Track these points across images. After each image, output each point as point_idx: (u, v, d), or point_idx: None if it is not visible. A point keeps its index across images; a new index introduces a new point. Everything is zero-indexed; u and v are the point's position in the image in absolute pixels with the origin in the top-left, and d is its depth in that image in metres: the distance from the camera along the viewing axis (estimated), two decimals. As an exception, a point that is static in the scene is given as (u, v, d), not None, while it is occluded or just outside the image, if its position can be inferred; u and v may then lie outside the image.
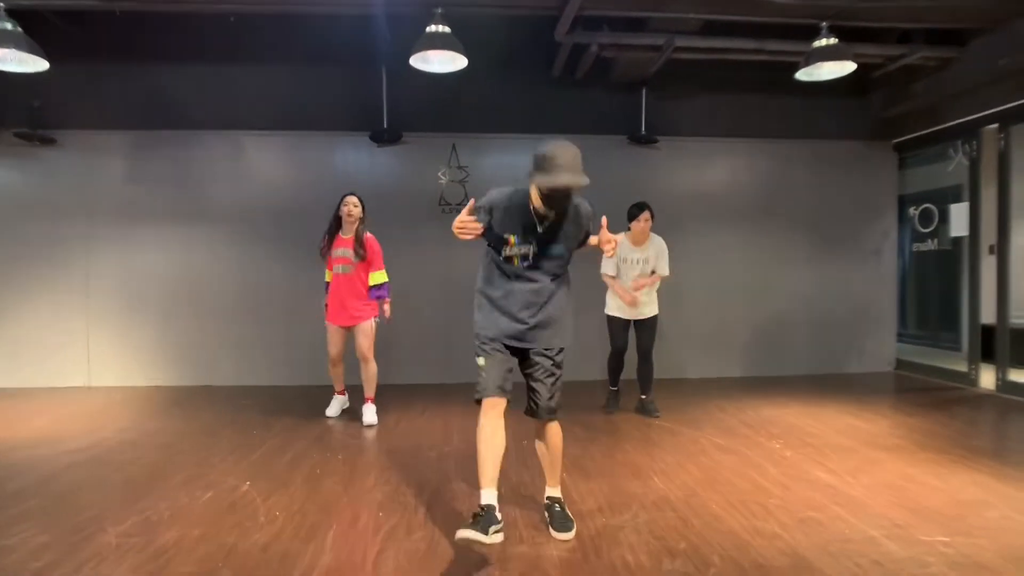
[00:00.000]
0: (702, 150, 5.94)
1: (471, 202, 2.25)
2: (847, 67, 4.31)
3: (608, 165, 5.77)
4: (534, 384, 2.41)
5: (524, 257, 2.33)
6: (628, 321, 4.38)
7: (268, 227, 5.56)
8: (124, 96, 5.44)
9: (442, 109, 5.57)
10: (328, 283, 4.29)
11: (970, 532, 2.44)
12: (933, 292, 6.40)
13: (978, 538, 2.38)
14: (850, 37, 4.40)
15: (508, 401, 2.34)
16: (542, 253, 2.33)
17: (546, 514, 2.54)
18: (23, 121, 5.32)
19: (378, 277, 4.20)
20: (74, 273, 5.52)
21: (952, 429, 4.05)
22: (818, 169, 6.03)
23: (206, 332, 5.59)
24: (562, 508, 2.51)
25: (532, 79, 5.65)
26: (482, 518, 2.12)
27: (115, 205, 5.51)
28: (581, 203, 2.39)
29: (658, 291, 4.46)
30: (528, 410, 2.46)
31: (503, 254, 2.35)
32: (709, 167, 5.98)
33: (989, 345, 5.25)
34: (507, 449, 2.34)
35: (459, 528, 2.10)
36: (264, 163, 5.65)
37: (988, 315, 5.29)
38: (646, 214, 4.21)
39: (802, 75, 4.50)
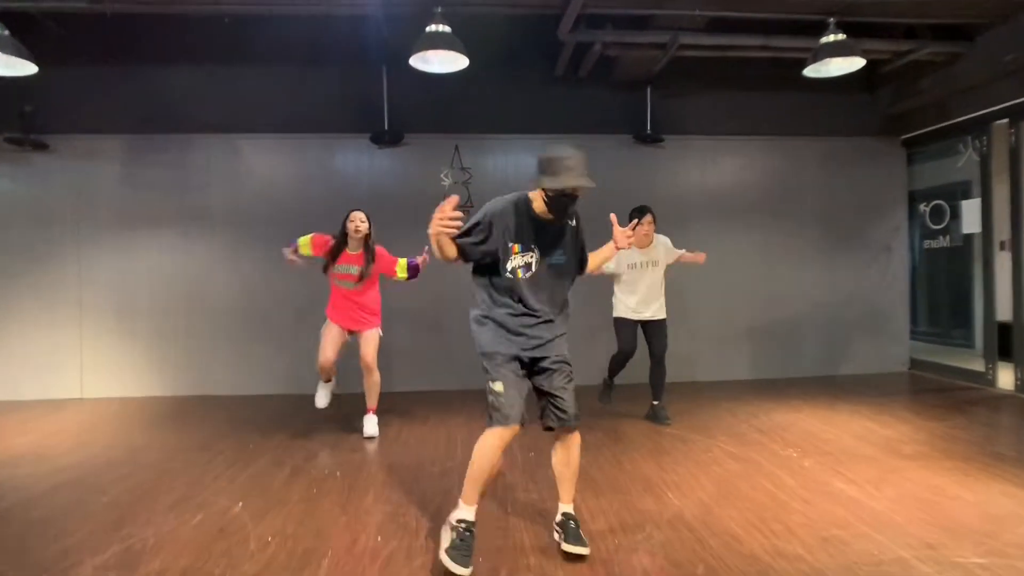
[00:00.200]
0: (708, 149, 5.82)
1: (454, 198, 2.14)
2: (856, 63, 4.18)
3: (613, 165, 5.67)
4: (556, 392, 2.29)
5: (527, 267, 2.25)
6: (637, 323, 4.26)
7: (267, 232, 5.41)
8: (118, 100, 5.33)
9: (444, 110, 5.45)
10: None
11: (1005, 551, 2.30)
12: (944, 289, 6.26)
13: (1015, 559, 2.25)
14: (856, 33, 4.27)
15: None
16: (545, 260, 2.27)
17: (558, 531, 2.40)
18: (15, 126, 5.20)
19: (401, 267, 3.96)
20: (67, 281, 5.39)
21: (974, 434, 3.92)
22: (827, 166, 5.90)
23: (203, 340, 5.47)
24: (577, 525, 2.38)
25: (535, 79, 5.54)
26: (465, 542, 2.17)
27: (109, 211, 5.39)
28: (578, 213, 2.38)
29: (665, 292, 4.34)
30: (551, 422, 2.32)
31: (507, 267, 2.25)
32: (716, 166, 5.86)
33: (1005, 343, 5.11)
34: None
35: (443, 550, 2.16)
36: (262, 167, 5.53)
37: (1003, 312, 5.15)
38: (648, 217, 4.12)
39: (810, 71, 4.38)
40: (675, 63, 5.04)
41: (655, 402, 4.35)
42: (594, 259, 2.51)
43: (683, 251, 4.32)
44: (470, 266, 2.40)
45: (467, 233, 2.24)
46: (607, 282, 4.35)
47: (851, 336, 5.95)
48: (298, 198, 5.43)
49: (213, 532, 2.57)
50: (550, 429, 2.35)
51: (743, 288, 5.84)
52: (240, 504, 2.86)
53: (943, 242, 5.94)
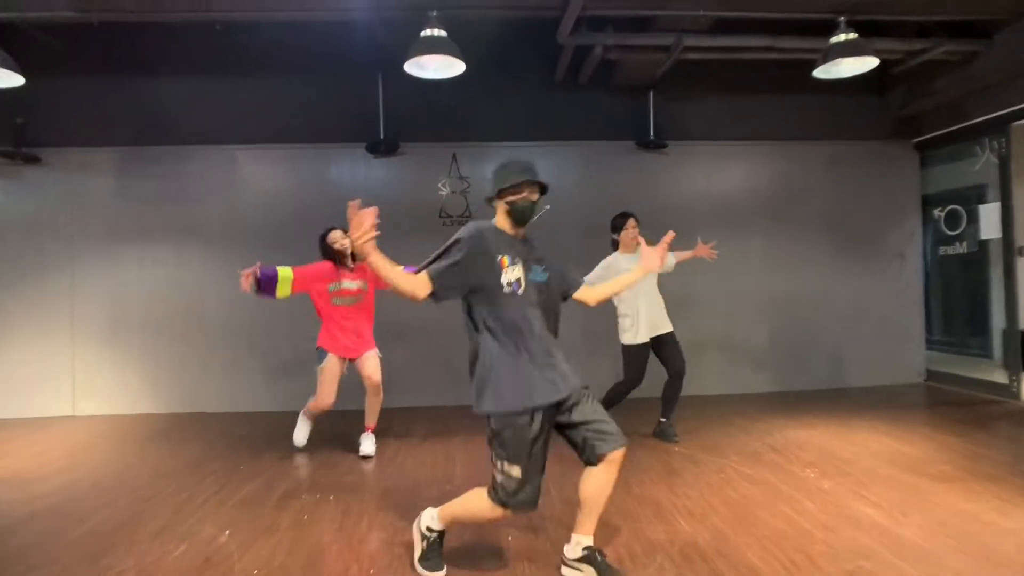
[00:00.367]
0: (713, 154, 5.67)
1: (372, 209, 1.90)
2: (868, 63, 4.02)
3: (615, 172, 5.54)
4: (592, 419, 2.08)
5: (517, 283, 2.10)
6: (648, 348, 4.00)
7: (261, 245, 5.27)
8: (111, 111, 5.25)
9: (441, 118, 5.34)
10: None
11: (1051, 586, 2.11)
12: (960, 297, 6.05)
13: (1063, 595, 2.05)
14: (866, 32, 4.11)
15: None
16: (529, 277, 2.14)
17: (578, 568, 2.20)
18: (7, 139, 5.12)
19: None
20: (59, 297, 5.29)
21: (1003, 452, 3.71)
22: (835, 171, 5.74)
23: (197, 356, 5.34)
24: (604, 558, 2.20)
25: (534, 84, 5.42)
26: (434, 548, 2.27)
27: (102, 225, 5.30)
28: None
29: (668, 303, 4.16)
30: (603, 449, 2.07)
31: (502, 281, 2.07)
32: (721, 172, 5.70)
33: (1027, 353, 4.92)
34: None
35: (416, 561, 2.25)
36: (256, 178, 5.42)
37: None
38: (631, 221, 3.95)
39: (820, 73, 4.22)
40: (678, 66, 4.90)
41: (663, 419, 4.16)
42: (615, 285, 2.39)
43: (673, 254, 4.06)
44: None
45: (441, 257, 2.08)
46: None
47: (863, 346, 5.75)
48: (293, 210, 5.31)
49: (197, 563, 2.42)
50: (595, 460, 2.09)
51: (749, 297, 5.67)
52: (227, 532, 2.71)
53: (959, 248, 5.75)
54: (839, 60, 4.02)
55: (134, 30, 4.84)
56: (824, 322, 5.74)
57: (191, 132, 5.29)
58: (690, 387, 5.38)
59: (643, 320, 3.95)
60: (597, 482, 2.12)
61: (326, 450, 4.06)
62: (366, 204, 5.05)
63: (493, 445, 2.06)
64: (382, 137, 5.30)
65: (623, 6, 4.21)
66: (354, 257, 3.75)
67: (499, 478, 2.02)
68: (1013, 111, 4.81)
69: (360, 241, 1.82)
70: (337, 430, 4.36)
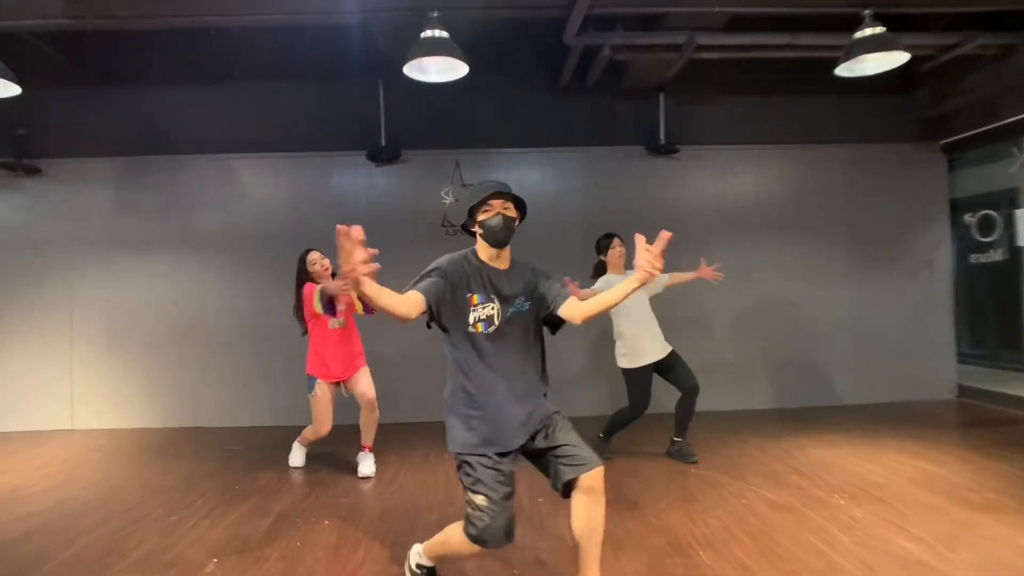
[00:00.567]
0: (727, 159, 5.44)
1: (357, 227, 1.55)
2: (897, 59, 3.78)
3: (624, 178, 5.35)
4: (558, 443, 1.92)
5: (488, 321, 1.93)
6: (652, 371, 3.81)
7: (261, 256, 5.19)
8: (110, 122, 5.19)
9: (443, 124, 5.19)
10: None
11: None
12: (992, 307, 5.74)
13: None
14: (892, 27, 3.88)
15: None
16: (507, 310, 1.96)
17: None
18: (8, 151, 5.08)
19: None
20: (58, 309, 5.23)
21: (1050, 476, 3.42)
22: (857, 175, 5.49)
23: (196, 369, 5.24)
24: None
25: (539, 89, 5.26)
26: None
27: (101, 237, 5.23)
28: (527, 263, 2.09)
29: (677, 315, 4.00)
30: (568, 475, 1.89)
31: (468, 320, 1.93)
32: (735, 177, 5.47)
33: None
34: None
35: None
36: (255, 188, 5.30)
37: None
38: (616, 241, 3.82)
39: (842, 70, 3.98)
40: (690, 67, 4.69)
41: (677, 439, 3.93)
42: (608, 297, 1.92)
43: (668, 275, 3.87)
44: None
45: (423, 277, 1.92)
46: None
47: (888, 361, 5.46)
48: (292, 220, 5.19)
49: (180, 595, 2.25)
50: (569, 489, 1.91)
51: (766, 310, 5.42)
52: (215, 561, 2.55)
53: (992, 256, 5.45)
54: (863, 57, 3.79)
55: (133, 40, 4.77)
56: (845, 335, 5.47)
57: (189, 141, 5.20)
58: (701, 402, 5.12)
59: (641, 342, 3.79)
60: (581, 517, 1.91)
61: (323, 468, 3.91)
62: (367, 213, 4.92)
63: (460, 475, 1.96)
64: (383, 144, 5.17)
65: (633, 3, 4.01)
66: (333, 274, 3.66)
67: (468, 510, 1.91)
68: (1051, 110, 4.55)
69: (354, 275, 1.57)
70: (335, 447, 4.19)
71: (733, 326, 5.41)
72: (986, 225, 5.48)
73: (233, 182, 5.28)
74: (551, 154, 5.33)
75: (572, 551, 2.03)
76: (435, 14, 3.66)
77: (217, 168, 5.26)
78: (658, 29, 4.25)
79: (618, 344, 3.86)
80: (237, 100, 5.22)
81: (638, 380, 3.78)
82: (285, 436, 4.12)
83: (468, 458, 1.90)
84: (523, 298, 1.99)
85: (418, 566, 2.17)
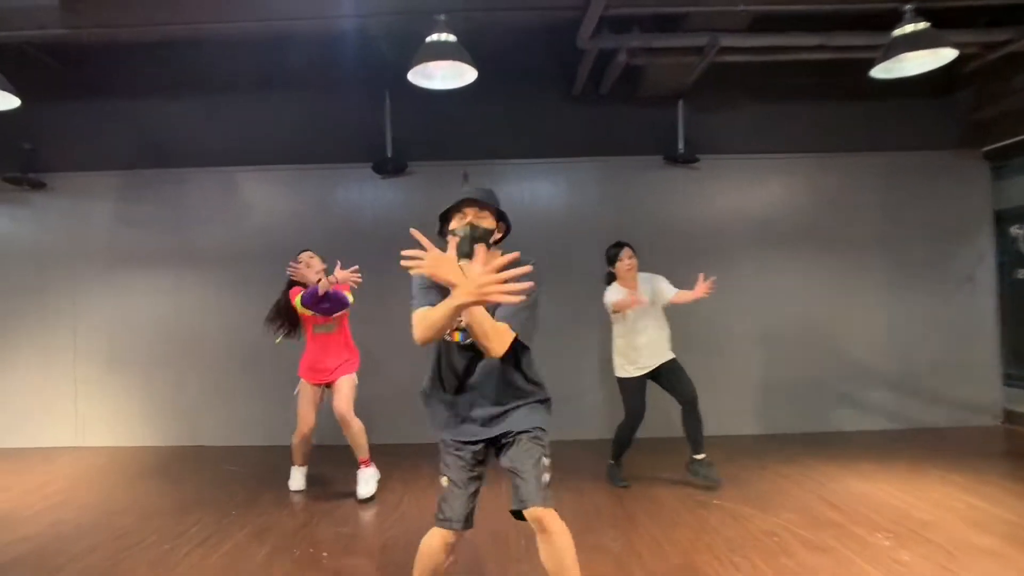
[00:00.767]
0: (751, 169, 5.17)
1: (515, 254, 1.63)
2: (942, 57, 3.47)
3: (641, 190, 5.12)
4: (513, 467, 1.84)
5: (465, 332, 1.83)
6: (646, 379, 3.67)
7: (264, 271, 4.98)
8: (114, 136, 5.12)
9: (451, 135, 5.04)
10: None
11: None
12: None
13: None
14: (933, 23, 3.60)
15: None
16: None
17: None
18: (14, 165, 5.04)
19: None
20: (62, 326, 5.17)
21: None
22: (892, 185, 5.16)
23: (196, 388, 5.12)
24: None
25: (551, 97, 5.07)
26: None
27: (105, 253, 5.16)
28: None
29: (696, 333, 3.86)
30: (515, 505, 1.83)
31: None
32: (759, 188, 5.20)
33: None
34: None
35: None
36: (259, 201, 5.19)
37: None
38: (626, 251, 3.68)
39: (880, 71, 3.69)
40: (711, 72, 4.47)
41: (696, 456, 3.65)
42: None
43: (676, 291, 3.68)
44: None
45: (426, 293, 1.82)
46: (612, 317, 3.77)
47: (927, 384, 5.09)
48: (297, 233, 5.01)
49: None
50: (517, 516, 1.85)
51: (793, 328, 5.10)
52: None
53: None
54: (904, 56, 3.49)
55: (137, 53, 4.72)
56: (879, 356, 5.12)
57: (193, 154, 5.12)
58: (723, 426, 4.90)
59: (631, 351, 3.66)
60: (541, 552, 1.84)
61: (324, 493, 3.76)
62: (373, 227, 4.67)
63: None
64: (389, 156, 5.02)
65: (651, 2, 3.80)
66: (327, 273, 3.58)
67: (438, 494, 1.95)
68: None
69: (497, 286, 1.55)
70: (337, 470, 4.04)
71: (758, 345, 5.11)
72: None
73: (236, 195, 5.18)
74: (564, 165, 5.12)
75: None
76: (442, 17, 3.50)
77: (220, 181, 5.16)
78: (678, 30, 4.04)
79: (613, 352, 3.76)
80: (240, 112, 5.12)
81: (629, 388, 3.68)
82: (286, 457, 3.96)
83: (439, 442, 1.96)
84: (492, 305, 1.72)
85: None
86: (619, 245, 3.72)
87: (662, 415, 3.97)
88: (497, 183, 4.96)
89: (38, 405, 5.13)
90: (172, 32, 3.70)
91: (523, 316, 1.76)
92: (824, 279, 5.14)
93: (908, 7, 3.38)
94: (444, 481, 1.91)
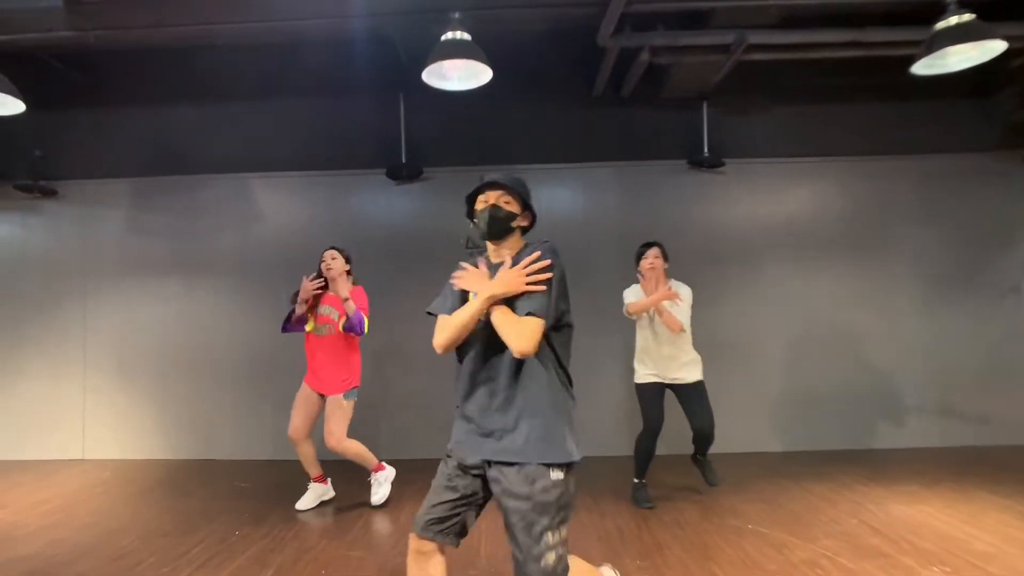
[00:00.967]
0: (779, 174, 4.97)
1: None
2: (989, 50, 3.26)
3: (664, 195, 4.94)
4: (507, 525, 1.63)
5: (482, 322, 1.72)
6: (663, 387, 3.50)
7: (276, 279, 4.92)
8: (126, 142, 5.08)
9: (467, 139, 4.91)
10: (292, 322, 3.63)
11: None
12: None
13: None
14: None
15: (441, 550, 1.73)
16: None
17: None
18: (25, 173, 5.01)
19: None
20: (72, 335, 5.09)
21: None
22: (928, 191, 4.93)
23: (208, 399, 5.00)
24: None
25: (570, 99, 4.92)
26: None
27: (116, 261, 5.10)
28: (539, 250, 1.71)
29: (722, 346, 3.68)
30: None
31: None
32: (788, 194, 4.98)
33: None
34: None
35: None
36: (271, 208, 5.09)
37: None
38: (653, 251, 3.54)
39: (921, 67, 3.48)
40: (737, 72, 4.29)
41: (699, 456, 3.66)
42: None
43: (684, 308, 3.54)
44: None
45: (444, 301, 1.85)
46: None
47: (969, 399, 4.81)
48: (310, 240, 4.91)
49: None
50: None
51: (824, 340, 4.87)
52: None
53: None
54: (947, 50, 3.29)
55: (149, 59, 4.69)
56: (917, 370, 4.86)
57: (205, 160, 5.05)
58: (748, 442, 4.72)
59: (647, 356, 3.54)
60: None
61: (335, 512, 3.60)
62: (387, 234, 4.61)
63: None
64: (403, 161, 4.90)
65: (675, -1, 3.65)
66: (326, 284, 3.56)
67: None
68: None
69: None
70: (350, 487, 3.88)
71: (786, 357, 4.88)
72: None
73: (248, 202, 5.09)
74: (584, 170, 4.96)
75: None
76: (456, 15, 3.38)
77: (232, 188, 5.08)
78: (703, 27, 3.87)
79: (635, 359, 3.62)
80: (252, 117, 5.04)
81: (645, 395, 3.53)
82: (298, 472, 3.85)
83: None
84: (519, 299, 1.66)
85: None
86: (646, 245, 3.59)
87: (688, 431, 3.76)
88: (514, 189, 4.87)
89: (46, 417, 5.05)
90: (179, 34, 3.61)
91: (542, 298, 1.62)
92: (857, 288, 4.90)
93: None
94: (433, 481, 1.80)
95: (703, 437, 3.50)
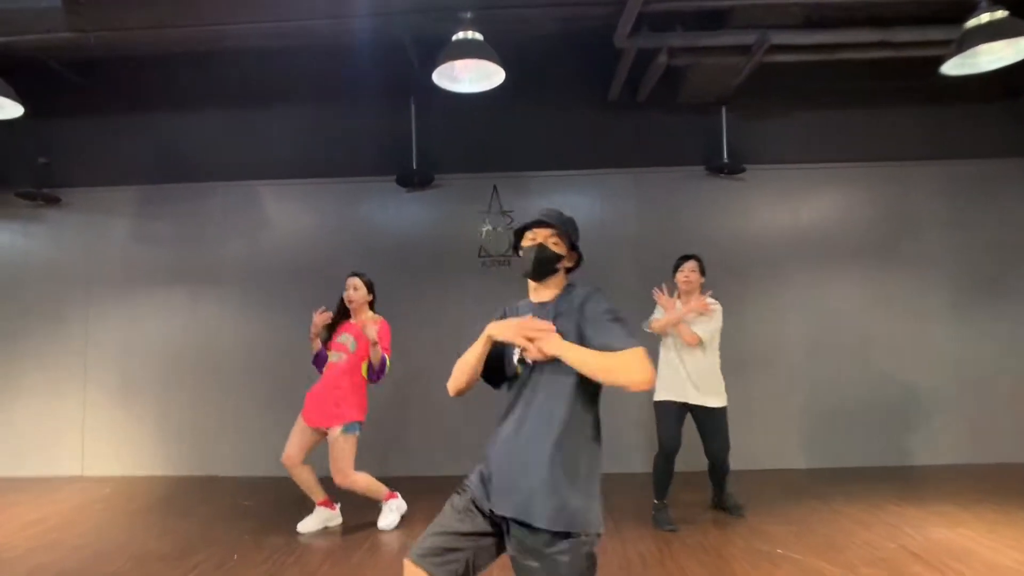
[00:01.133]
0: (801, 180, 4.81)
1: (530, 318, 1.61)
2: (1022, 49, 3.13)
3: (682, 202, 4.81)
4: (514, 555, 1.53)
5: (523, 361, 1.63)
6: (684, 409, 3.36)
7: (283, 290, 4.84)
8: (131, 149, 5.01)
9: (479, 145, 4.79)
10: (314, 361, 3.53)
11: None
12: None
13: None
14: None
15: None
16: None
17: None
18: (28, 180, 4.93)
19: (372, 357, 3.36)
20: (73, 348, 4.97)
21: None
22: (957, 197, 4.76)
23: (212, 414, 4.85)
24: None
25: (585, 105, 4.81)
26: None
27: (119, 271, 5.00)
28: (585, 292, 1.68)
29: (744, 359, 3.57)
30: None
31: (514, 361, 1.66)
32: (811, 200, 4.83)
33: None
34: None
35: None
36: (278, 216, 4.99)
37: None
38: (690, 264, 3.43)
39: (950, 67, 3.34)
40: (757, 75, 4.17)
41: (718, 491, 3.61)
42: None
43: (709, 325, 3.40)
44: None
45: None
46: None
47: (1004, 414, 4.60)
48: (318, 249, 4.86)
49: None
50: None
51: (849, 351, 4.68)
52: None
53: None
54: (978, 48, 3.15)
55: (154, 65, 4.62)
56: (948, 382, 4.66)
57: (211, 168, 4.97)
58: (772, 459, 4.53)
59: (672, 376, 3.40)
60: None
61: (338, 534, 3.42)
62: (398, 242, 4.53)
63: None
64: (414, 168, 4.79)
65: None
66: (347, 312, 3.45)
67: None
68: None
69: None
70: (355, 507, 3.69)
71: (811, 370, 4.69)
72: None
73: (255, 210, 4.98)
74: (599, 177, 4.82)
75: None
76: (468, 15, 3.27)
77: (239, 196, 4.98)
78: (723, 28, 3.73)
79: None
80: (259, 124, 4.96)
81: (661, 414, 3.40)
82: (301, 491, 3.66)
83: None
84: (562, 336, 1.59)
85: None
86: (685, 257, 3.48)
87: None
88: (528, 196, 4.74)
89: (45, 432, 4.91)
90: (182, 36, 3.52)
91: (615, 327, 1.54)
92: (883, 298, 4.72)
93: (984, -6, 3.03)
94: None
95: (714, 463, 3.43)
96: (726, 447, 3.38)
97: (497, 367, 1.67)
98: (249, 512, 3.84)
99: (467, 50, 3.23)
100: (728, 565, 2.83)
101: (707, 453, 3.40)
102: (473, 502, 1.61)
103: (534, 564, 1.46)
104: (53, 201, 5.01)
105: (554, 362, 1.54)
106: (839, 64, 4.08)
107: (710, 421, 3.35)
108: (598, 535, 1.51)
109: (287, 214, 4.97)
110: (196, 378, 4.88)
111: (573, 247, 1.74)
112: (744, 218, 4.76)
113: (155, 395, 4.90)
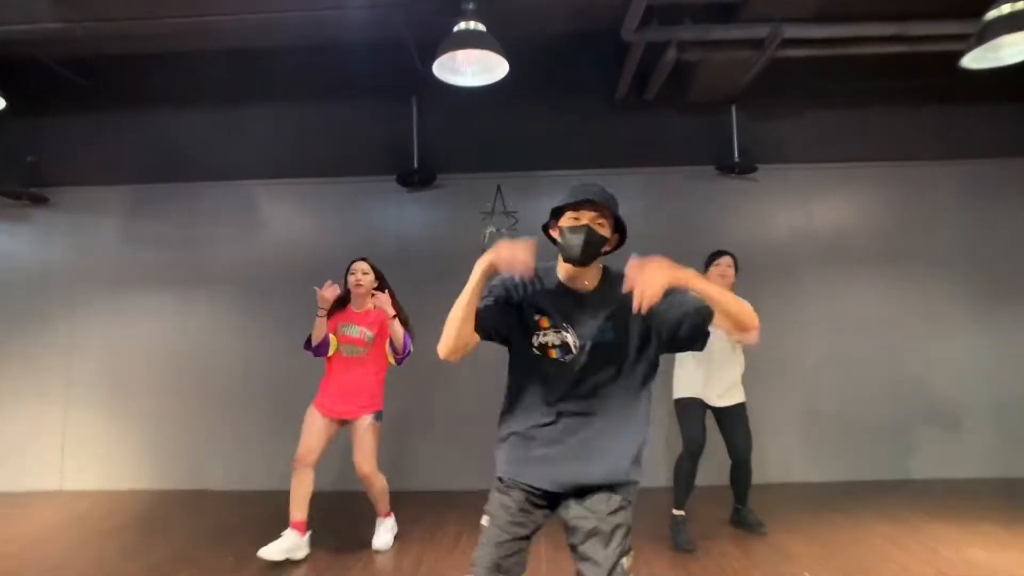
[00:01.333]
0: (816, 180, 4.66)
1: (532, 241, 1.51)
2: (1051, 38, 2.98)
3: (691, 203, 4.67)
4: (585, 562, 1.51)
5: (564, 348, 1.59)
6: (705, 407, 3.25)
7: (280, 293, 4.65)
8: (123, 148, 4.86)
9: (483, 144, 4.66)
10: (315, 346, 3.20)
11: None
12: None
13: None
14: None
15: None
16: (584, 342, 1.59)
17: None
18: (13, 179, 4.77)
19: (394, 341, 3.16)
20: (56, 354, 4.76)
21: None
22: (976, 197, 4.60)
23: (203, 423, 4.65)
24: None
25: (592, 103, 4.67)
26: None
27: (106, 273, 4.82)
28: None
29: (758, 365, 3.43)
30: None
31: (534, 342, 1.61)
32: (826, 201, 4.67)
33: None
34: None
35: None
36: (275, 217, 4.83)
37: None
38: (727, 259, 3.34)
39: (971, 60, 3.18)
40: (768, 72, 4.03)
41: (739, 506, 3.44)
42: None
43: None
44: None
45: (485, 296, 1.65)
46: None
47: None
48: (316, 251, 4.68)
49: None
50: None
51: (868, 357, 4.49)
52: None
53: None
54: (1000, 40, 2.99)
55: (147, 62, 4.49)
56: (972, 391, 4.46)
57: (205, 167, 4.81)
58: (789, 472, 4.32)
59: (685, 372, 3.32)
60: None
61: (331, 549, 3.22)
62: (399, 244, 4.40)
63: None
64: (415, 168, 4.65)
65: (705, -12, 3.40)
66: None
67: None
68: None
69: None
70: (348, 521, 3.54)
71: (827, 378, 4.50)
72: None
73: (251, 211, 4.82)
74: (606, 176, 4.58)
75: None
76: (471, 5, 3.14)
77: (234, 196, 4.82)
78: (734, 21, 3.61)
79: (674, 376, 3.41)
80: (256, 122, 4.82)
81: (685, 411, 3.29)
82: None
83: (499, 477, 1.68)
84: (610, 328, 1.59)
85: None
86: (720, 252, 3.38)
87: (726, 460, 3.39)
88: (532, 196, 4.57)
89: (25, 442, 4.67)
90: (172, 27, 3.38)
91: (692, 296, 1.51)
92: (903, 303, 4.55)
93: (1004, -15, 2.88)
94: (484, 520, 1.63)
95: (738, 462, 3.28)
96: (749, 443, 3.26)
97: (501, 332, 1.61)
98: (235, 529, 3.61)
99: (469, 41, 3.09)
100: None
101: (731, 451, 3.28)
102: (527, 499, 1.60)
103: (617, 521, 1.53)
104: (40, 200, 4.85)
105: (600, 344, 1.54)
106: (852, 62, 3.96)
107: (732, 417, 3.26)
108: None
109: (283, 215, 4.82)
110: (186, 385, 4.68)
111: (617, 228, 1.64)
112: (756, 219, 4.62)
113: (142, 403, 4.69)
